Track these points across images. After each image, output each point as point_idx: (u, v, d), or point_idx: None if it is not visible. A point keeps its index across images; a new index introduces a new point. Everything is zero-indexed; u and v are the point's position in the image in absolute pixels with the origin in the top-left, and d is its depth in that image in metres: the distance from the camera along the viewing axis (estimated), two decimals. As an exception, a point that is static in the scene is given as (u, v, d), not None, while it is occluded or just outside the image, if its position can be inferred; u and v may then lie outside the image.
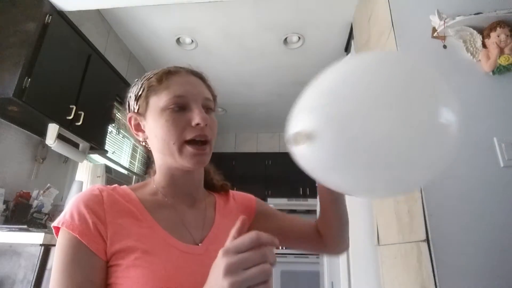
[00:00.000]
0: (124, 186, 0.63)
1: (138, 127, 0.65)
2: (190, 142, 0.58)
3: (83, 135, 1.92)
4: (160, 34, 2.62)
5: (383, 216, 1.39)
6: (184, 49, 2.78)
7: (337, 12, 2.29)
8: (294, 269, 3.29)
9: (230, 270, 0.38)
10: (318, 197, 0.69)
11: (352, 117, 0.44)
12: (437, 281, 0.90)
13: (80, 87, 1.87)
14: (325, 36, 2.57)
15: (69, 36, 1.82)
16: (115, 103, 2.20)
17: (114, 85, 2.16)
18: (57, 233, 0.54)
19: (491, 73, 1.12)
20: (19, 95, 1.49)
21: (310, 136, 0.46)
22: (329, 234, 0.73)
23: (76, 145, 1.97)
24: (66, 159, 2.11)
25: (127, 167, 2.87)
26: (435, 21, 1.19)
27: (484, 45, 1.14)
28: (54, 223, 0.53)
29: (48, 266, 1.20)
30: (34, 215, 1.68)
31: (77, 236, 0.51)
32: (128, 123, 0.66)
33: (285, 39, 2.58)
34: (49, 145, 1.76)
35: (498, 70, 1.10)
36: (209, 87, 0.69)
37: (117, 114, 2.29)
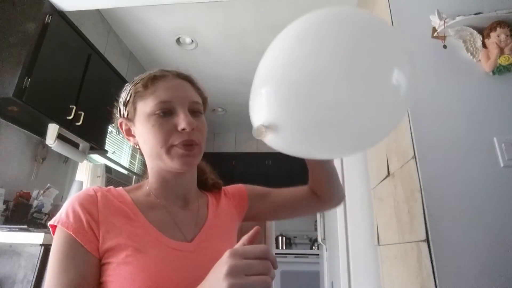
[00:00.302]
0: (119, 188, 0.64)
1: (129, 132, 0.66)
2: (179, 145, 0.59)
3: (83, 135, 1.92)
4: (160, 34, 2.62)
5: (383, 216, 1.39)
6: (184, 49, 2.78)
7: (337, 12, 2.29)
8: (294, 269, 3.29)
9: (233, 272, 0.39)
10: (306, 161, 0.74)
11: (306, 99, 0.46)
12: (437, 281, 0.90)
13: (80, 87, 1.87)
14: (325, 36, 2.56)
15: (69, 36, 1.82)
16: (115, 103, 2.19)
17: (114, 85, 2.15)
18: (54, 231, 0.55)
19: (491, 73, 1.12)
20: (19, 95, 1.48)
21: (271, 128, 0.48)
22: (323, 190, 0.77)
23: (76, 145, 1.97)
24: (66, 159, 2.11)
25: (127, 167, 2.87)
26: (435, 21, 1.19)
27: (484, 45, 1.14)
28: (51, 222, 0.55)
29: (48, 266, 1.20)
30: (34, 215, 1.67)
31: (72, 233, 0.52)
32: (119, 128, 0.68)
33: (285, 39, 2.59)
34: (49, 145, 1.76)
35: (498, 70, 1.10)
36: (198, 89, 0.69)
37: (117, 114, 2.28)
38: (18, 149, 1.78)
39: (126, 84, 0.69)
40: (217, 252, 0.58)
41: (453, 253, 0.93)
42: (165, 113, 0.60)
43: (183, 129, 0.58)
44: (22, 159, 1.81)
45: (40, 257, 1.18)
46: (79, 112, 1.81)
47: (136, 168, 3.10)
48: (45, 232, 1.22)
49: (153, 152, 0.60)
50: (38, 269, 1.17)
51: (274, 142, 0.51)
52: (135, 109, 0.63)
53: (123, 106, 0.66)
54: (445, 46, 1.17)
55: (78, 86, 1.86)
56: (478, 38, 1.15)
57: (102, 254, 0.53)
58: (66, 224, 0.53)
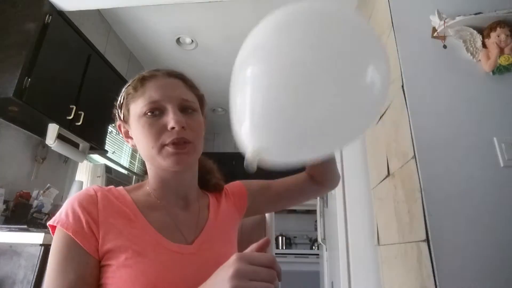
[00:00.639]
0: (120, 187, 0.64)
1: (127, 134, 0.66)
2: (169, 144, 0.58)
3: (83, 135, 1.92)
4: (160, 34, 2.62)
5: (383, 216, 1.39)
6: (184, 49, 2.78)
7: (337, 12, 2.29)
8: (294, 269, 3.29)
9: (238, 275, 0.39)
10: None
11: (285, 115, 0.48)
12: (437, 281, 0.90)
13: (80, 87, 1.87)
14: (325, 36, 2.56)
15: (69, 36, 1.82)
16: (115, 103, 2.20)
17: (114, 85, 2.16)
18: (53, 231, 0.55)
19: (491, 73, 1.12)
20: (19, 95, 1.48)
21: (261, 152, 0.50)
22: (325, 176, 0.81)
23: (76, 145, 1.97)
24: (66, 159, 2.11)
25: (127, 167, 2.87)
26: (435, 21, 1.19)
27: (484, 45, 1.14)
28: (50, 222, 0.55)
29: (48, 266, 1.20)
30: (34, 215, 1.67)
31: (71, 234, 0.52)
32: (119, 130, 0.68)
33: (285, 39, 2.59)
34: (49, 145, 1.76)
35: (498, 70, 1.10)
36: (191, 87, 0.68)
37: (116, 115, 2.28)
38: (18, 149, 1.78)
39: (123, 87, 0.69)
40: (218, 254, 0.58)
41: (453, 253, 0.93)
42: (155, 113, 0.60)
43: (173, 128, 0.58)
44: (22, 159, 1.81)
45: (40, 257, 1.18)
46: (79, 112, 1.81)
47: (136, 168, 3.10)
48: (45, 232, 1.22)
49: (147, 153, 0.60)
50: (38, 269, 1.17)
51: (268, 160, 0.53)
52: (128, 111, 0.63)
53: (119, 109, 0.67)
54: (445, 46, 1.17)
55: (78, 86, 1.86)
56: (478, 38, 1.15)
57: (102, 256, 0.52)
58: (66, 225, 0.52)
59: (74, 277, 0.49)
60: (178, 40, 2.68)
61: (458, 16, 1.15)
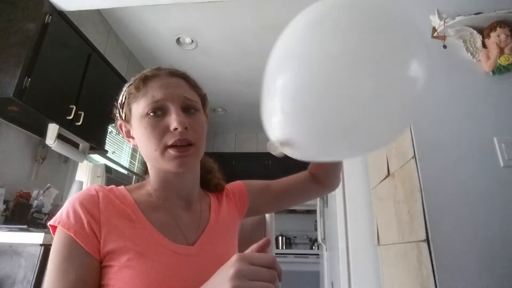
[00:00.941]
0: (122, 187, 0.63)
1: (129, 134, 0.65)
2: (172, 146, 0.57)
3: (83, 135, 1.92)
4: (160, 34, 2.62)
5: (383, 216, 1.39)
6: (184, 49, 2.78)
7: (337, 12, 2.29)
8: (294, 269, 3.29)
9: (238, 275, 0.39)
10: None
11: (319, 112, 0.47)
12: (437, 281, 0.90)
13: (80, 87, 1.87)
14: (325, 36, 2.56)
15: (69, 36, 1.82)
16: (115, 103, 2.20)
17: (114, 85, 2.16)
18: (54, 232, 0.54)
19: (491, 73, 1.12)
20: (19, 95, 1.48)
21: (287, 144, 0.49)
22: (327, 177, 0.81)
23: (76, 145, 1.98)
24: (66, 159, 2.11)
25: (127, 167, 2.87)
26: (435, 21, 1.19)
27: (484, 45, 1.14)
28: (51, 222, 0.54)
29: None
30: (34, 215, 1.68)
31: (72, 235, 0.51)
32: (120, 130, 0.67)
33: (285, 39, 2.59)
34: (49, 145, 1.76)
35: (498, 70, 1.10)
36: (194, 86, 0.67)
37: (117, 114, 2.29)
38: (18, 149, 1.78)
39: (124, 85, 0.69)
40: (219, 256, 0.58)
41: (453, 253, 0.93)
42: (158, 113, 0.59)
43: (175, 129, 0.57)
44: (22, 159, 1.81)
45: (40, 257, 1.18)
46: (79, 112, 1.81)
47: (136, 168, 3.10)
48: (45, 232, 1.22)
49: (149, 154, 0.60)
50: (38, 269, 1.17)
51: (288, 153, 0.53)
52: (130, 111, 0.63)
53: (120, 108, 0.66)
54: (445, 46, 1.17)
55: (78, 86, 1.86)
56: (478, 38, 1.15)
57: (103, 257, 0.52)
58: (67, 225, 0.52)
59: (74, 278, 0.49)
60: (178, 40, 2.68)
61: (458, 16, 1.15)
